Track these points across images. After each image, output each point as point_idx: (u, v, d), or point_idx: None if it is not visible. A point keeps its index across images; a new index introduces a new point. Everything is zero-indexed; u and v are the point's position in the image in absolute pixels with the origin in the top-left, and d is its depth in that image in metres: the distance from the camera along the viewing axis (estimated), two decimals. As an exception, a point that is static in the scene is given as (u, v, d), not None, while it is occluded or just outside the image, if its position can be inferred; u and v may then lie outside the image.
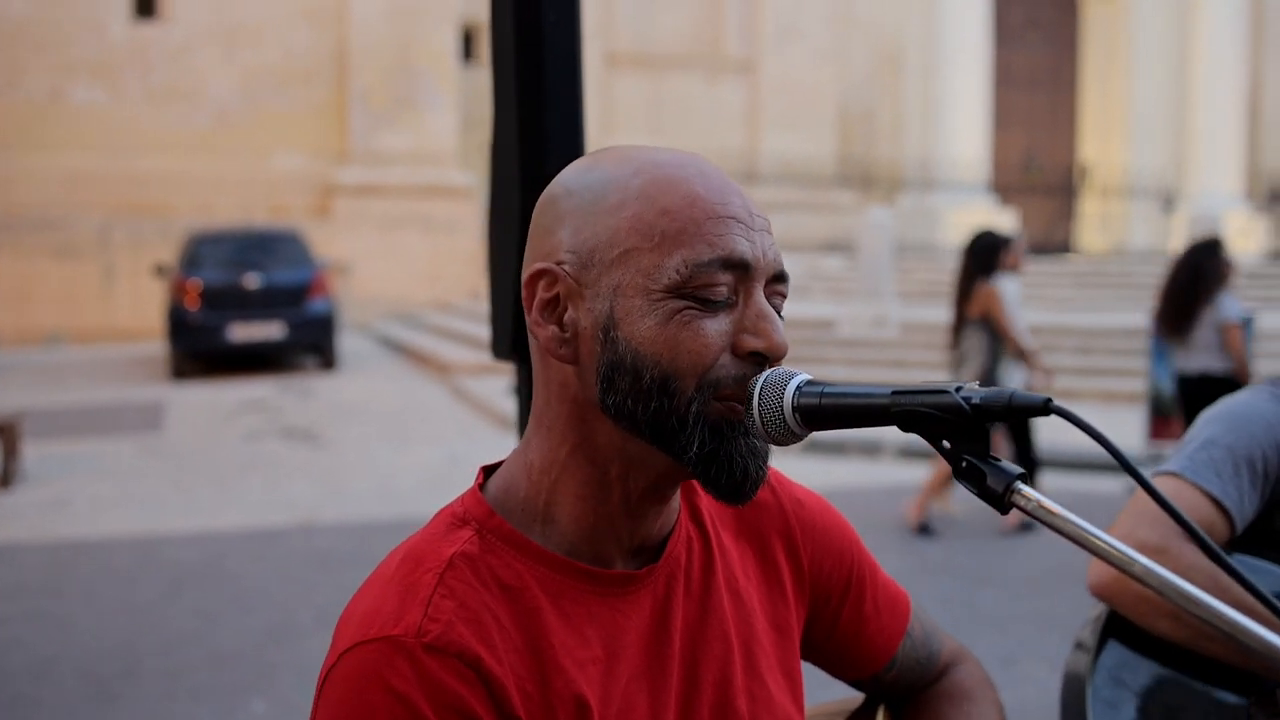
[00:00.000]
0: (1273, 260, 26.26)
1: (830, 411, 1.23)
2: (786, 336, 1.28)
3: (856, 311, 17.35)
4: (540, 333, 1.31)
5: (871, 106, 28.70)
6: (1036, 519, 1.13)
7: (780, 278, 1.32)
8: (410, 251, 23.99)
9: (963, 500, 9.43)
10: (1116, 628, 2.14)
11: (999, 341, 8.97)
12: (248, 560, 8.53)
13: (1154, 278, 22.43)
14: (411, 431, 13.68)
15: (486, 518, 1.33)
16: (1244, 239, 25.90)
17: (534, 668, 1.26)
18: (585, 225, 1.29)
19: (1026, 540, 8.81)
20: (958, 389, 1.17)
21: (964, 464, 1.17)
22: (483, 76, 26.09)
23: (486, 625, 1.24)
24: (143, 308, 21.98)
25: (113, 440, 13.25)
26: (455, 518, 1.34)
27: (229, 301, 17.91)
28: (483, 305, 21.87)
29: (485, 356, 14.26)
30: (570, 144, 2.03)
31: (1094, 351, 16.30)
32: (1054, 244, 28.76)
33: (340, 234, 23.42)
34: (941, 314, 19.10)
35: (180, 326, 17.83)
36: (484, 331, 14.65)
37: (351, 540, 8.96)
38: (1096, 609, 2.22)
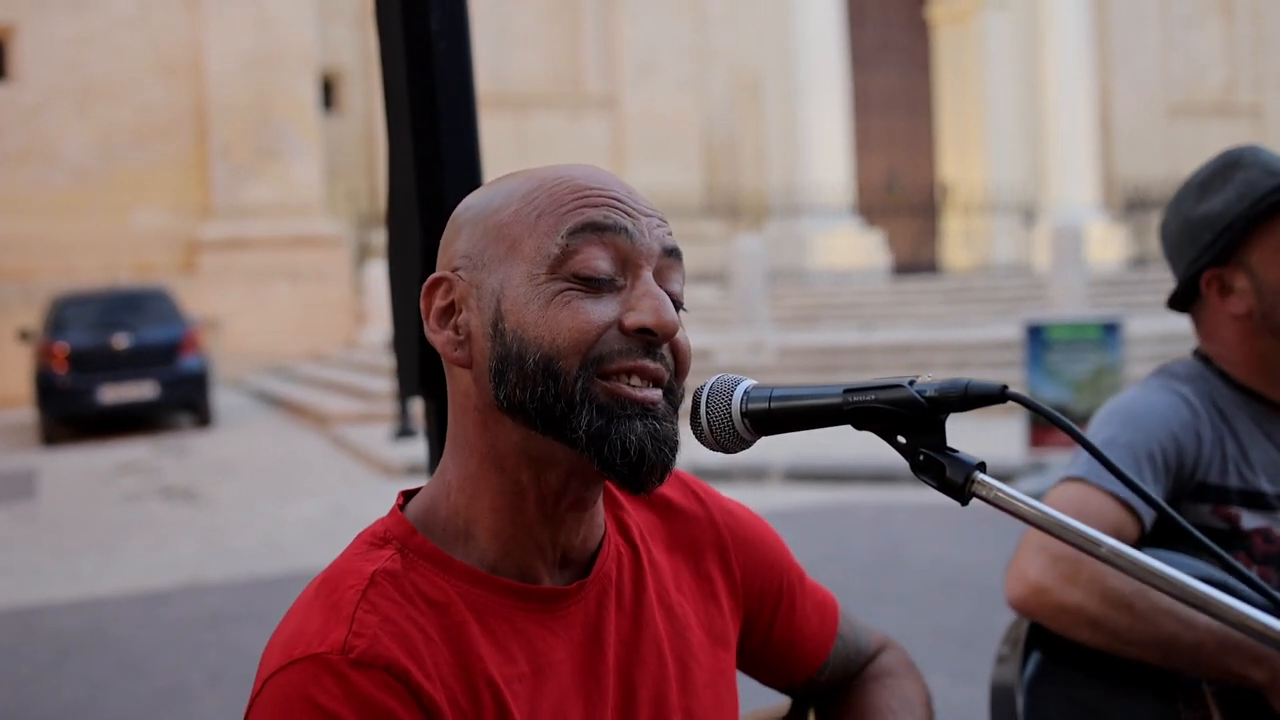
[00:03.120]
0: (1133, 267, 26.89)
1: (780, 415, 1.23)
2: (678, 318, 1.28)
3: (733, 340, 17.45)
4: (436, 339, 1.32)
5: (734, 136, 28.95)
6: (998, 507, 1.13)
7: (673, 254, 1.32)
8: (280, 303, 23.72)
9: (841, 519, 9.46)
10: (1039, 638, 2.16)
11: None
12: (134, 625, 8.34)
13: (1020, 290, 22.96)
14: (293, 484, 13.49)
15: (408, 536, 1.31)
16: (1104, 248, 26.51)
17: (464, 681, 1.24)
18: (477, 231, 1.32)
19: (919, 556, 8.89)
20: (910, 382, 1.16)
21: (921, 458, 1.17)
22: (345, 125, 25.98)
23: (413, 638, 1.22)
24: (6, 375, 21.47)
25: (-16, 511, 12.91)
26: (376, 537, 1.32)
27: (98, 363, 17.54)
28: (357, 354, 21.75)
29: (364, 405, 14.08)
30: (468, 172, 2.01)
31: (968, 365, 16.55)
32: (921, 263, 29.21)
33: (208, 289, 23.09)
34: (815, 338, 19.30)
35: (49, 391, 17.43)
36: (360, 380, 14.45)
37: (239, 598, 8.80)
38: (1014, 621, 2.24)
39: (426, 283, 1.33)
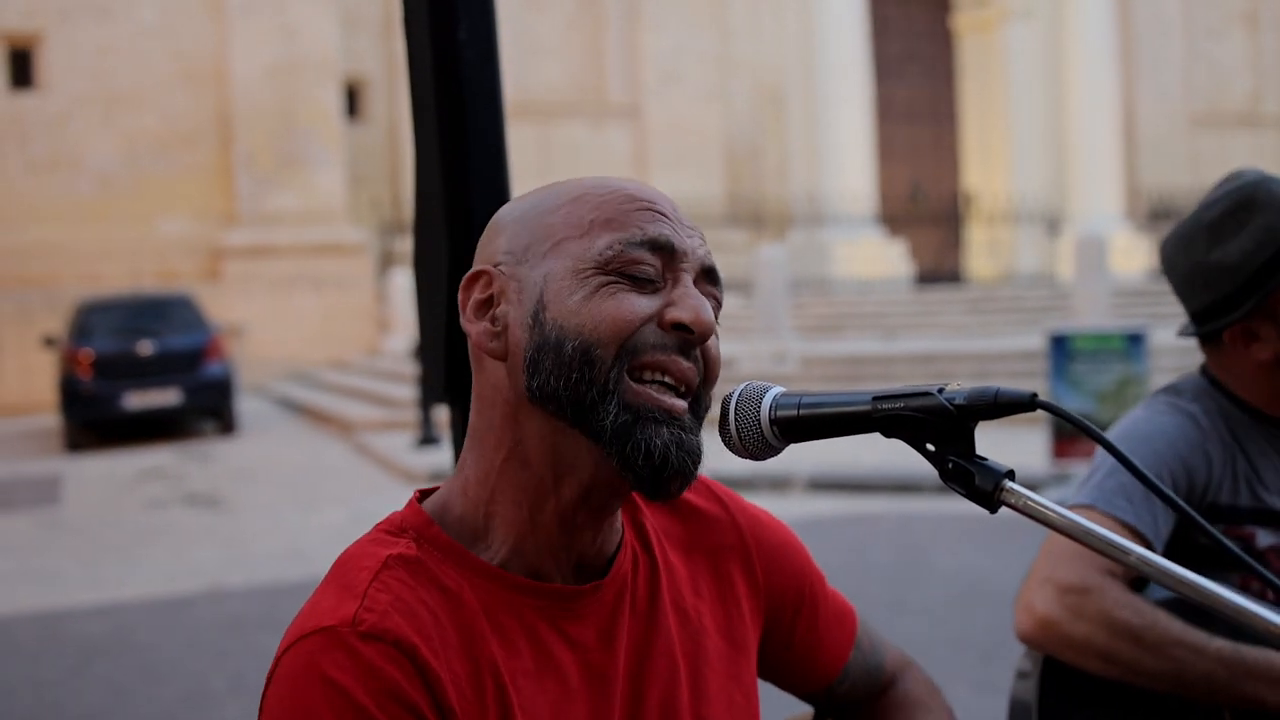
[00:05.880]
0: (1157, 277, 26.78)
1: (809, 422, 1.23)
2: (714, 321, 1.30)
3: (756, 348, 17.45)
4: (472, 329, 1.33)
5: (757, 145, 28.95)
6: (1027, 515, 1.13)
7: (712, 277, 1.35)
8: (304, 311, 23.78)
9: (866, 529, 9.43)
10: (1056, 662, 2.15)
11: None
12: (156, 630, 8.36)
13: (1044, 300, 22.92)
14: (316, 491, 13.52)
15: (424, 527, 1.33)
16: (1128, 258, 26.42)
17: (469, 665, 1.26)
18: (522, 230, 1.34)
19: (941, 566, 8.87)
20: (940, 390, 1.16)
21: (950, 466, 1.17)
22: (368, 133, 26.05)
23: (422, 618, 1.24)
24: (32, 381, 21.56)
25: (8, 516, 12.95)
26: (392, 526, 1.34)
27: (123, 370, 17.60)
28: (380, 361, 21.79)
29: (386, 412, 14.04)
30: (495, 180, 2.02)
31: (991, 375, 16.50)
32: (944, 272, 29.14)
33: (231, 296, 23.17)
34: (838, 347, 19.29)
35: (73, 397, 17.51)
36: (383, 387, 14.42)
37: (261, 604, 8.81)
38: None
39: (466, 276, 1.35)
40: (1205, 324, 2.25)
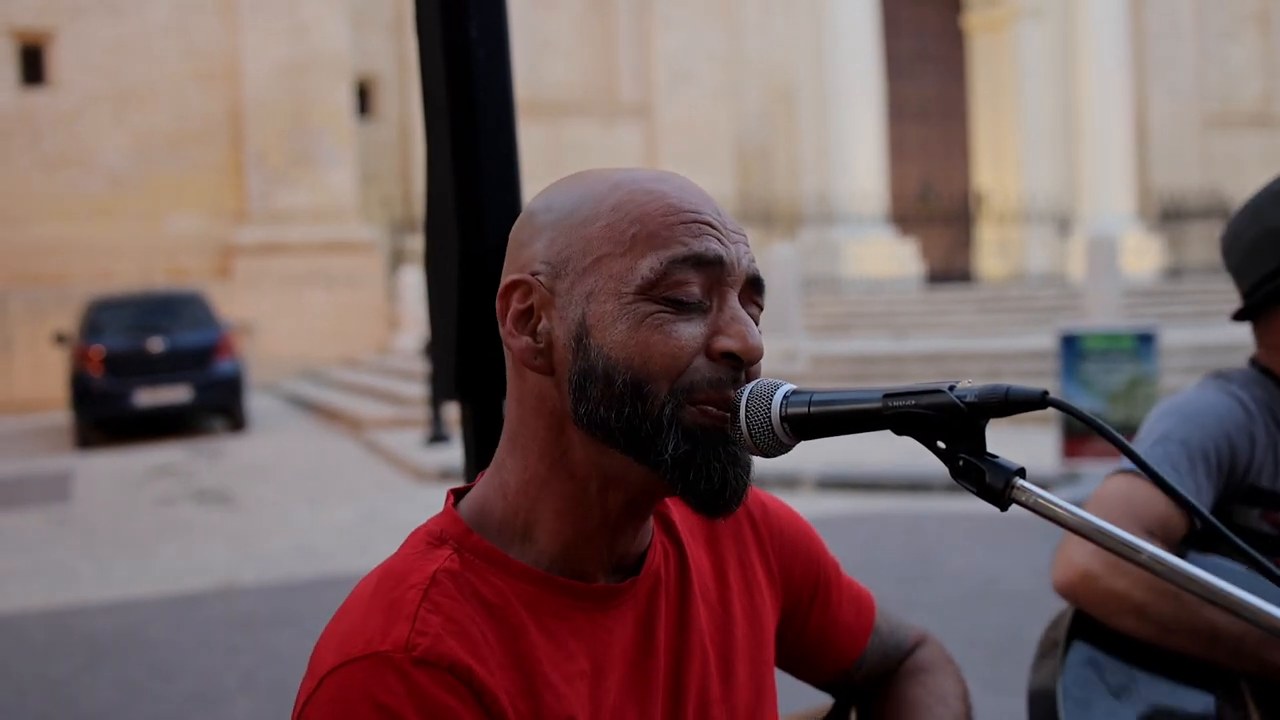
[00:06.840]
0: (1168, 278, 26.76)
1: (820, 419, 1.22)
2: (761, 340, 1.28)
3: (766, 347, 17.38)
4: (514, 344, 1.30)
5: (768, 144, 28.92)
6: (1037, 513, 1.12)
7: (756, 286, 1.33)
8: (314, 309, 23.81)
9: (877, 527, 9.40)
10: (1081, 630, 2.15)
11: None
12: (167, 628, 8.37)
13: (1055, 300, 22.88)
14: (327, 489, 13.53)
15: (464, 536, 1.31)
16: (1139, 258, 26.37)
17: (523, 684, 1.24)
18: (560, 237, 1.30)
19: (950, 565, 8.86)
20: (951, 387, 1.16)
21: (961, 463, 1.16)
22: (379, 131, 26.05)
23: (475, 639, 1.22)
24: (43, 378, 21.62)
25: (19, 513, 12.98)
26: (432, 536, 1.32)
27: (133, 367, 17.65)
28: (390, 359, 21.80)
29: (397, 410, 14.02)
30: (507, 179, 2.02)
31: (1001, 375, 16.47)
32: (954, 272, 29.11)
33: (242, 294, 23.21)
34: (848, 346, 19.27)
35: (84, 394, 17.55)
36: (393, 385, 14.43)
37: (272, 601, 8.83)
38: (1056, 614, 2.23)
39: (504, 284, 1.32)
40: (1265, 288, 2.25)
